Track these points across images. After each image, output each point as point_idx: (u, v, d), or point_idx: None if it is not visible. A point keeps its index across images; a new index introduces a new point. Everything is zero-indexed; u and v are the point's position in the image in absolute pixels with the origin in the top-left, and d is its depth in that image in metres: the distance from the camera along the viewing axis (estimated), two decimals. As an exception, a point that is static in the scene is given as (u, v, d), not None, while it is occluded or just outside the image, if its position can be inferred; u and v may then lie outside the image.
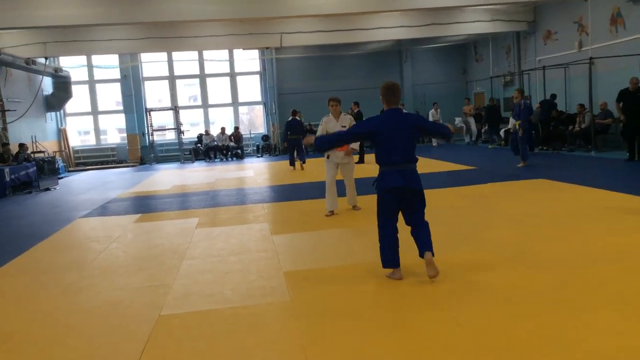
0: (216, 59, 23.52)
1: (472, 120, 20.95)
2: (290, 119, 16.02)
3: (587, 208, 7.27)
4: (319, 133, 7.72)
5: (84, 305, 4.65)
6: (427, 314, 3.89)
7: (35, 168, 14.67)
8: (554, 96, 16.57)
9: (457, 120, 22.38)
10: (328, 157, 7.88)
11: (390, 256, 4.73)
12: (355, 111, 16.28)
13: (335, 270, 5.23)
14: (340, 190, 8.17)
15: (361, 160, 15.71)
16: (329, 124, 7.93)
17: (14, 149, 15.56)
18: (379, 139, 4.68)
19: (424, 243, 4.64)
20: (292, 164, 15.73)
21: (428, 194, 9.24)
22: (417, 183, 4.74)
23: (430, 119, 21.59)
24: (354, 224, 7.24)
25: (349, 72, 23.50)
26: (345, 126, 7.72)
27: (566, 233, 6.03)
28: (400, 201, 4.70)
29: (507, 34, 20.12)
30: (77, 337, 3.93)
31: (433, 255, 4.58)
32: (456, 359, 3.17)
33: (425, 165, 14.18)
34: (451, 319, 3.76)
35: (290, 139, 15.53)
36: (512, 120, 17.44)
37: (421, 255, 4.62)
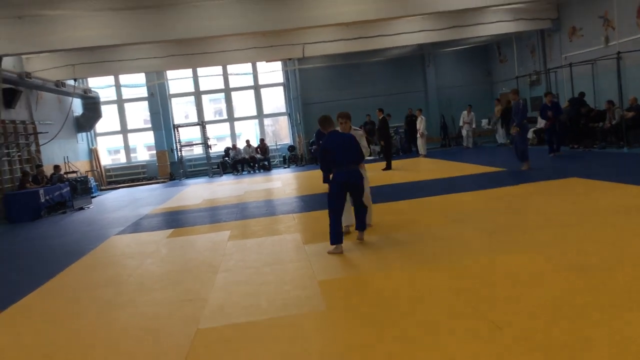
0: (240, 73, 23.78)
1: (499, 122, 20.71)
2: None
3: (621, 205, 7.11)
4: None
5: (123, 322, 4.72)
6: (465, 320, 3.84)
7: (68, 188, 15.00)
8: (582, 94, 16.30)
9: (484, 122, 22.19)
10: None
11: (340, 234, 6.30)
12: (380, 117, 16.26)
13: (369, 277, 5.21)
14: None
15: (389, 167, 15.66)
16: None
17: (47, 170, 15.94)
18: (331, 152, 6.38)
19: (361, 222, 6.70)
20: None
21: (458, 197, 9.23)
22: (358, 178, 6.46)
23: (461, 121, 21.49)
24: (386, 232, 7.20)
25: (372, 78, 23.50)
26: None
27: (601, 232, 5.91)
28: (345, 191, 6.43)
29: (531, 33, 19.89)
30: (117, 354, 3.98)
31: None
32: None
33: (453, 168, 14.07)
34: (491, 324, 3.70)
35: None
36: (539, 120, 17.27)
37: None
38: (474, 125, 21.43)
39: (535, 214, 7.21)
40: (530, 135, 18.24)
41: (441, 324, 3.82)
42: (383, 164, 16.08)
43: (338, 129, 6.77)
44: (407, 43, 19.50)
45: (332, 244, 6.29)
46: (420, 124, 19.18)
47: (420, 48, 22.80)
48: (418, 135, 19.40)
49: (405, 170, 15.21)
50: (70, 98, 19.15)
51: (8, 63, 14.78)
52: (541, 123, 17.05)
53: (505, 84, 22.39)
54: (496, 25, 18.51)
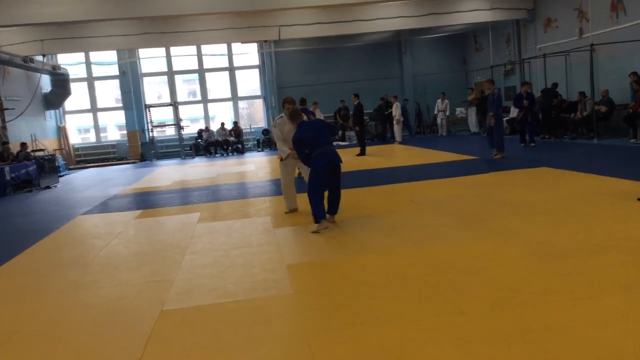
0: (215, 54, 23.44)
1: (472, 111, 20.86)
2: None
3: (588, 195, 7.22)
4: (275, 136, 7.62)
5: (87, 302, 4.62)
6: (430, 304, 3.85)
7: (35, 166, 14.64)
8: (555, 85, 16.48)
9: (458, 110, 22.33)
10: (281, 160, 7.65)
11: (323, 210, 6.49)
12: (356, 103, 16.20)
13: (338, 262, 5.19)
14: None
15: (363, 153, 15.66)
16: (283, 126, 7.45)
17: (13, 147, 15.53)
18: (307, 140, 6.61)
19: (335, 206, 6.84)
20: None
21: (430, 184, 9.27)
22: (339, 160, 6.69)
23: (436, 109, 21.62)
24: (356, 217, 7.19)
25: (348, 63, 23.41)
26: None
27: (568, 220, 5.99)
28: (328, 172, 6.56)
29: (506, 23, 20.01)
30: (80, 333, 3.89)
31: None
32: (459, 346, 3.13)
33: (427, 155, 14.14)
34: (455, 309, 3.72)
35: None
36: (512, 109, 17.46)
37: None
38: (447, 113, 21.57)
39: (505, 202, 7.27)
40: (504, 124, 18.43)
41: (408, 308, 3.82)
42: (357, 149, 16.06)
43: (305, 117, 7.03)
44: (384, 29, 19.44)
45: (317, 221, 6.43)
46: (396, 111, 19.21)
47: (397, 34, 22.78)
48: (394, 121, 19.44)
49: (380, 157, 15.23)
50: (39, 74, 18.67)
51: (-27, 35, 14.30)
52: (514, 113, 17.24)
53: (480, 73, 22.54)
54: (473, 14, 18.58)
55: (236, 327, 3.76)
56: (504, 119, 17.23)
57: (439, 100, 21.56)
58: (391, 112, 20.03)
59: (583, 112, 15.15)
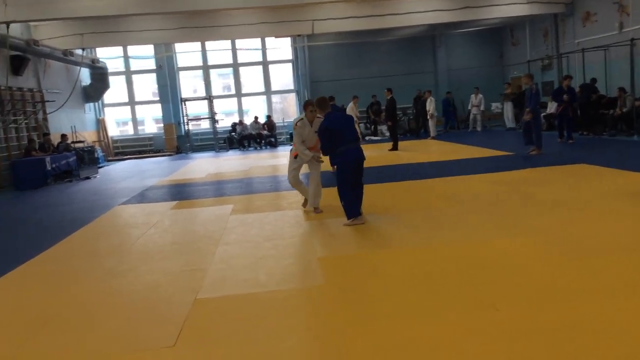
0: (249, 48, 23.62)
1: (509, 106, 20.50)
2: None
3: (627, 193, 7.07)
4: (296, 138, 7.19)
5: (124, 289, 4.76)
6: (463, 300, 3.85)
7: (75, 157, 15.04)
8: (594, 80, 16.09)
9: (494, 105, 21.99)
10: (296, 157, 7.40)
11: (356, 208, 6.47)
12: (388, 98, 16.13)
13: (369, 255, 5.22)
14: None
15: (395, 147, 15.59)
16: (304, 130, 7.16)
17: (54, 139, 15.97)
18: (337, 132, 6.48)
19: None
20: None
21: (464, 180, 9.19)
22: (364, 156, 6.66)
23: (470, 104, 21.33)
24: (387, 212, 7.20)
25: (381, 58, 23.26)
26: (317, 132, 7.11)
27: (605, 218, 5.88)
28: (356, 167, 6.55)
29: (544, 17, 19.58)
30: (116, 319, 4.02)
31: None
32: (492, 342, 3.13)
33: (461, 151, 14.00)
34: (489, 305, 3.71)
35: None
36: (550, 105, 17.12)
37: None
38: (482, 108, 21.25)
39: (541, 199, 7.17)
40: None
41: (440, 303, 3.83)
42: (390, 144, 16.01)
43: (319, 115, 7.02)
44: (418, 23, 19.23)
45: (350, 217, 6.45)
46: (430, 105, 19.03)
47: (432, 28, 22.50)
48: (428, 116, 19.27)
49: (413, 152, 15.14)
50: (78, 67, 19.10)
51: (16, 30, 14.71)
52: (551, 108, 16.90)
53: (516, 68, 22.15)
54: (510, 8, 18.24)
55: (268, 317, 3.83)
56: (542, 115, 16.97)
57: (473, 95, 21.27)
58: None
59: (622, 108, 14.76)
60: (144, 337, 3.63)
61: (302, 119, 7.19)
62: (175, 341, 3.48)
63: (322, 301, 4.12)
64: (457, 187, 8.67)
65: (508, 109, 20.54)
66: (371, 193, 8.43)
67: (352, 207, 6.45)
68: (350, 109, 17.23)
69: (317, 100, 6.98)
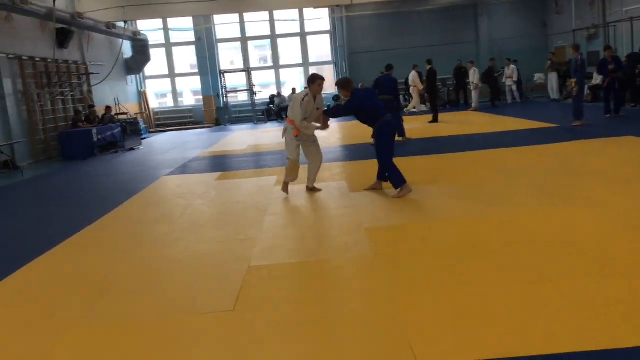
0: (287, 19, 23.52)
1: (553, 77, 19.91)
2: (381, 74, 12.71)
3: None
4: (300, 115, 6.80)
5: (177, 257, 4.92)
6: (514, 271, 3.86)
7: (120, 129, 15.39)
8: (643, 49, 15.52)
9: (537, 76, 21.43)
10: (297, 136, 7.06)
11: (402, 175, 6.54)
12: (428, 69, 15.90)
13: (415, 226, 5.26)
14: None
15: (435, 119, 15.41)
16: (309, 106, 6.87)
17: (98, 111, 16.34)
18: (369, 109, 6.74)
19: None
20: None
21: (508, 152, 9.09)
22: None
23: (504, 76, 20.61)
24: (431, 184, 7.19)
25: (421, 28, 22.85)
26: (319, 108, 7.00)
27: (659, 192, 5.77)
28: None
29: (592, -17, 18.89)
30: (175, 285, 4.19)
31: None
32: (546, 314, 3.15)
33: (503, 123, 13.79)
34: (540, 277, 3.72)
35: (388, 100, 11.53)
36: (595, 76, 16.60)
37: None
38: (515, 79, 20.43)
39: (588, 171, 7.05)
40: (585, 91, 17.58)
41: (491, 274, 3.85)
42: (429, 117, 15.85)
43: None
44: (460, -9, 18.82)
45: (400, 185, 6.52)
46: (474, 76, 18.65)
47: (474, -3, 21.99)
48: (472, 87, 18.90)
49: (453, 124, 14.96)
50: (120, 40, 19.40)
51: (61, 3, 15.00)
52: (597, 79, 16.40)
53: (561, 37, 21.49)
54: (556, -26, 17.62)
55: (320, 285, 3.94)
56: (586, 86, 16.48)
57: (506, 67, 20.52)
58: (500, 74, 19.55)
59: (674, 79, 14.22)
60: (204, 301, 3.77)
61: (307, 94, 6.88)
62: (234, 306, 3.61)
63: (372, 270, 4.19)
64: (502, 159, 8.59)
65: (552, 79, 19.98)
66: (414, 165, 8.46)
67: (399, 175, 6.55)
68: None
69: (343, 81, 7.03)
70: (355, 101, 6.74)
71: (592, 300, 3.27)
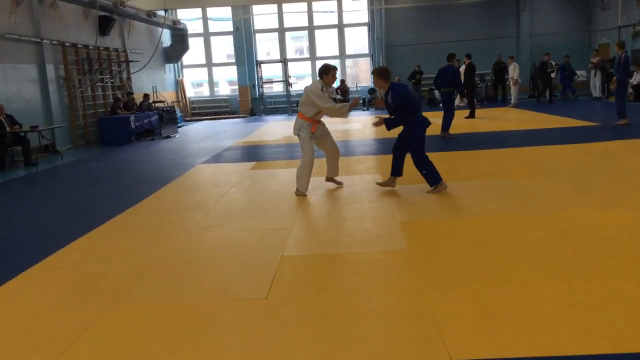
0: (325, 11, 23.46)
1: (597, 75, 19.36)
2: (445, 65, 11.95)
3: None
4: (327, 102, 6.60)
5: (213, 243, 4.98)
6: (551, 270, 3.79)
7: (157, 117, 15.62)
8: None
9: (579, 73, 20.88)
10: (313, 133, 6.73)
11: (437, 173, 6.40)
12: (467, 63, 15.67)
13: (451, 222, 5.20)
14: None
15: (472, 115, 15.19)
16: (325, 96, 6.64)
17: (137, 98, 16.62)
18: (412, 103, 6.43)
19: None
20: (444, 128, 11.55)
21: (546, 149, 8.90)
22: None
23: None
24: (466, 179, 7.10)
25: (461, 22, 22.50)
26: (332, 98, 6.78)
27: None
28: None
29: (641, -22, 18.28)
30: (210, 271, 4.24)
31: None
32: (582, 313, 3.08)
33: (542, 120, 13.52)
34: (577, 276, 3.64)
35: (442, 92, 11.89)
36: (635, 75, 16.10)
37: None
38: (553, 75, 19.94)
39: (629, 171, 6.86)
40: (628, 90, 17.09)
41: (527, 272, 3.79)
42: (466, 112, 15.64)
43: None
44: (502, -15, 18.47)
45: (436, 183, 6.38)
46: (514, 71, 18.31)
47: (516, -9, 21.54)
48: (511, 83, 18.55)
49: (491, 119, 14.73)
50: (160, 29, 19.65)
51: (104, -9, 15.29)
52: (637, 78, 15.92)
53: (605, 34, 20.90)
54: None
55: (353, 276, 3.93)
56: (630, 85, 16.02)
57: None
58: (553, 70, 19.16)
59: None
60: (239, 288, 3.81)
61: (322, 85, 6.63)
62: (267, 294, 3.64)
63: (406, 264, 4.16)
64: (540, 156, 8.42)
65: (595, 77, 19.46)
66: (450, 161, 8.36)
67: (435, 173, 6.40)
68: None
69: (382, 70, 6.58)
70: (405, 91, 6.41)
71: (627, 302, 3.18)
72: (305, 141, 6.72)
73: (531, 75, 21.73)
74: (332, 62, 24.06)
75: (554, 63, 19.87)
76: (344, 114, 6.80)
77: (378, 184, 6.87)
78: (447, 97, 11.68)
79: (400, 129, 6.65)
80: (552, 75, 20.03)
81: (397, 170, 6.69)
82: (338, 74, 23.81)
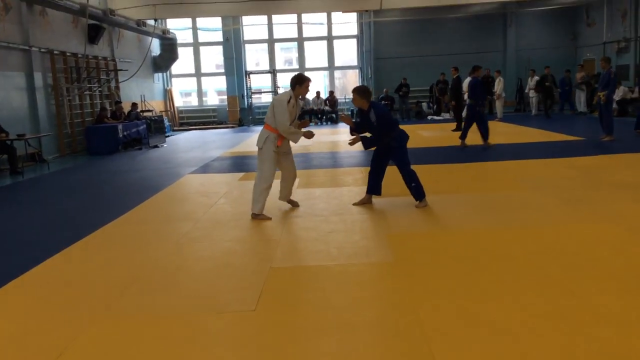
0: (314, 22, 23.61)
1: (582, 89, 19.61)
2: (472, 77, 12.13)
3: None
4: (287, 120, 6.10)
5: (201, 254, 4.98)
6: (536, 284, 3.83)
7: (145, 126, 15.57)
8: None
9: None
10: (278, 147, 6.29)
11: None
12: (455, 77, 15.83)
13: (438, 235, 5.24)
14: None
15: (459, 128, 15.28)
16: (294, 110, 6.26)
17: (125, 107, 16.57)
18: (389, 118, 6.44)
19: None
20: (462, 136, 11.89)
21: (532, 163, 9.00)
22: None
23: (527, 87, 20.42)
24: (453, 192, 7.16)
25: (449, 36, 22.75)
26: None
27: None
28: None
29: (624, -4, 18.64)
30: (197, 282, 4.23)
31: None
32: (569, 326, 3.12)
33: (528, 134, 13.67)
34: (563, 289, 3.69)
35: (469, 103, 11.91)
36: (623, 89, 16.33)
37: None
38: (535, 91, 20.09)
39: (614, 185, 6.96)
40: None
41: (514, 286, 3.83)
42: (453, 125, 15.77)
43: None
44: (490, 0, 18.71)
45: (422, 197, 6.38)
46: (498, 86, 18.51)
47: (503, 6, 21.81)
48: (495, 97, 18.75)
49: (477, 133, 14.83)
50: (150, 38, 19.64)
51: None
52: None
53: (590, 50, 21.24)
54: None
55: (342, 289, 3.95)
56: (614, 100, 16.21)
57: (529, 78, 20.19)
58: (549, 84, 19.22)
59: None
60: (226, 300, 3.81)
61: (291, 96, 6.17)
62: (255, 306, 3.64)
63: (394, 276, 4.18)
64: (526, 170, 8.52)
65: (580, 92, 19.71)
66: (436, 174, 8.43)
67: (422, 187, 6.42)
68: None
69: (363, 88, 6.43)
70: (384, 110, 6.45)
71: (613, 316, 3.23)
72: (267, 155, 6.20)
73: (517, 89, 22.00)
74: (321, 74, 23.98)
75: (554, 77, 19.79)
76: (294, 140, 6.33)
77: (355, 204, 6.62)
78: (473, 109, 11.73)
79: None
80: (528, 90, 20.22)
81: (376, 188, 6.63)
82: (326, 85, 23.94)
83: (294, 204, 6.77)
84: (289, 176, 6.64)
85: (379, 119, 6.24)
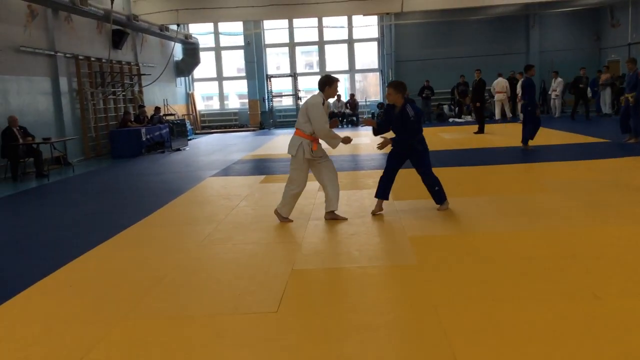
0: (335, 26, 23.64)
1: (606, 91, 19.30)
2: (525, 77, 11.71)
3: None
4: (323, 124, 5.86)
5: (223, 256, 5.01)
6: (561, 286, 3.78)
7: (167, 129, 15.75)
8: None
9: (588, 90, 20.79)
10: (314, 152, 6.02)
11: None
12: (477, 79, 15.71)
13: (460, 238, 5.20)
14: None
15: (481, 130, 15.19)
16: (326, 112, 6.04)
17: (148, 111, 16.78)
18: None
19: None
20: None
21: (555, 166, 8.88)
22: None
23: (550, 89, 20.19)
24: (474, 195, 7.11)
25: (471, 38, 22.60)
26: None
27: None
28: None
29: (651, -4, 18.33)
30: (220, 284, 4.26)
31: None
32: (592, 330, 3.08)
33: (551, 136, 13.50)
34: (588, 293, 3.63)
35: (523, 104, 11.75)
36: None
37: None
38: (557, 93, 19.84)
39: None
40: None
41: (537, 288, 3.78)
42: (475, 127, 15.65)
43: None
44: (512, 2, 18.55)
45: (444, 200, 6.27)
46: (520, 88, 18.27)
47: (526, 7, 21.59)
48: (517, 99, 18.52)
49: (500, 135, 14.73)
50: (172, 43, 19.87)
51: (117, 5, 15.49)
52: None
53: (614, 51, 20.92)
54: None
55: (364, 291, 3.94)
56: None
57: (552, 79, 19.93)
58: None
59: None
60: (248, 301, 3.83)
61: (322, 98, 5.94)
62: (277, 307, 3.65)
63: (416, 279, 4.16)
64: (549, 173, 8.42)
65: (605, 94, 19.39)
66: (459, 176, 8.37)
67: (443, 191, 6.32)
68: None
69: (399, 83, 6.14)
70: (413, 109, 6.04)
71: (638, 319, 3.18)
72: (298, 164, 6.02)
73: (540, 91, 21.70)
74: (341, 77, 24.07)
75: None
76: (332, 145, 6.07)
77: (374, 213, 6.28)
78: (525, 109, 11.54)
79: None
80: (551, 92, 19.98)
81: (387, 193, 6.39)
82: (347, 88, 23.99)
83: (342, 218, 6.09)
84: (331, 182, 6.11)
85: (415, 116, 5.98)
